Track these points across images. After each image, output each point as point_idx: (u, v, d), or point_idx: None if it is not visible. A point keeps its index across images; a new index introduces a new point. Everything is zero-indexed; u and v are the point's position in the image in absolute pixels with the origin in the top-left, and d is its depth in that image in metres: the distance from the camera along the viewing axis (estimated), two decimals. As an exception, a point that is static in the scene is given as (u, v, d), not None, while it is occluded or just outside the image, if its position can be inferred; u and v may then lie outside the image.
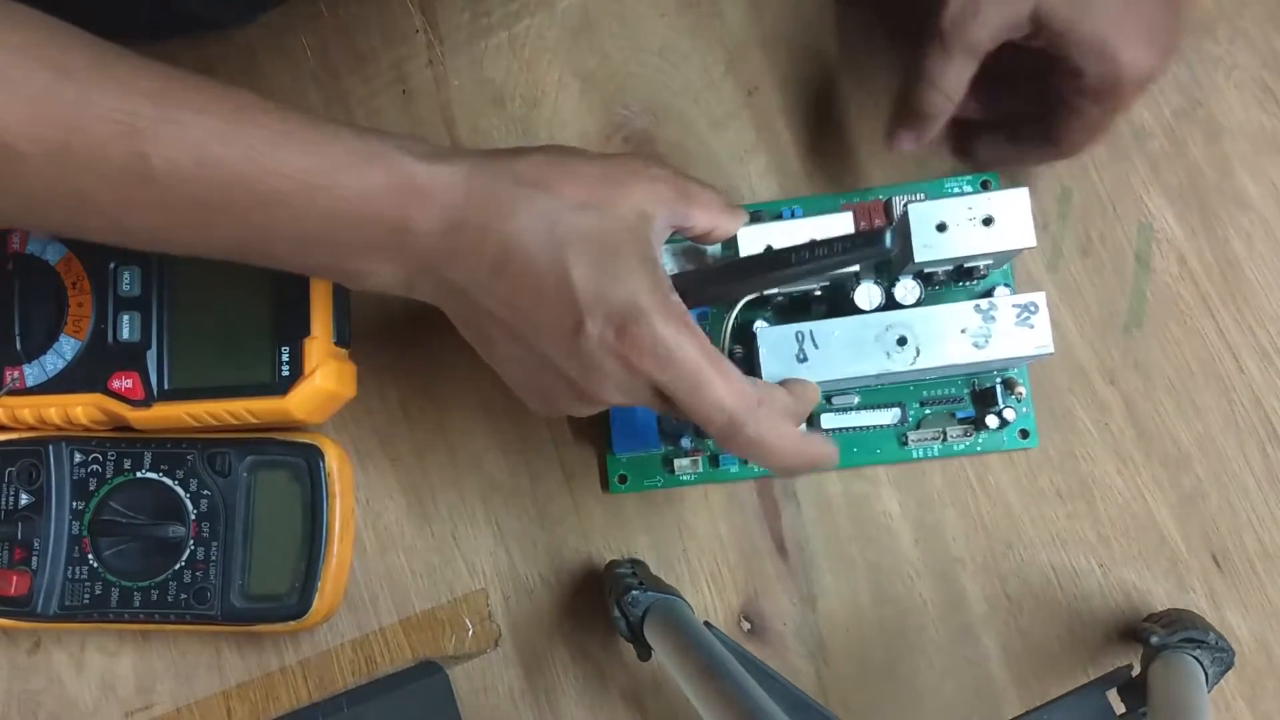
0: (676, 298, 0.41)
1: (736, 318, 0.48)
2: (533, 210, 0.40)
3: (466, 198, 0.40)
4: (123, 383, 0.48)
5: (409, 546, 0.52)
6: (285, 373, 0.47)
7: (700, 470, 0.51)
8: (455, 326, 0.43)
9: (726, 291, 0.46)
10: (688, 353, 0.40)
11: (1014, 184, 0.52)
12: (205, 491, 0.49)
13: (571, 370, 0.41)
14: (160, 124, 0.37)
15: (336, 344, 0.48)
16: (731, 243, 0.47)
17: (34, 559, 0.49)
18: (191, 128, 0.37)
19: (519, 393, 0.44)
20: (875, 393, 0.51)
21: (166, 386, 0.48)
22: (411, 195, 0.39)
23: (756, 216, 0.51)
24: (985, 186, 0.52)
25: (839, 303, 0.49)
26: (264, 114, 0.39)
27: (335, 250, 0.40)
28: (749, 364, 0.51)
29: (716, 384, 0.40)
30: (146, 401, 0.48)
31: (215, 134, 0.38)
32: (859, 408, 0.51)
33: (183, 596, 0.49)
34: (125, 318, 0.48)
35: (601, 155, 0.44)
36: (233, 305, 0.48)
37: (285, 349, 0.47)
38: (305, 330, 0.47)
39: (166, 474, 0.49)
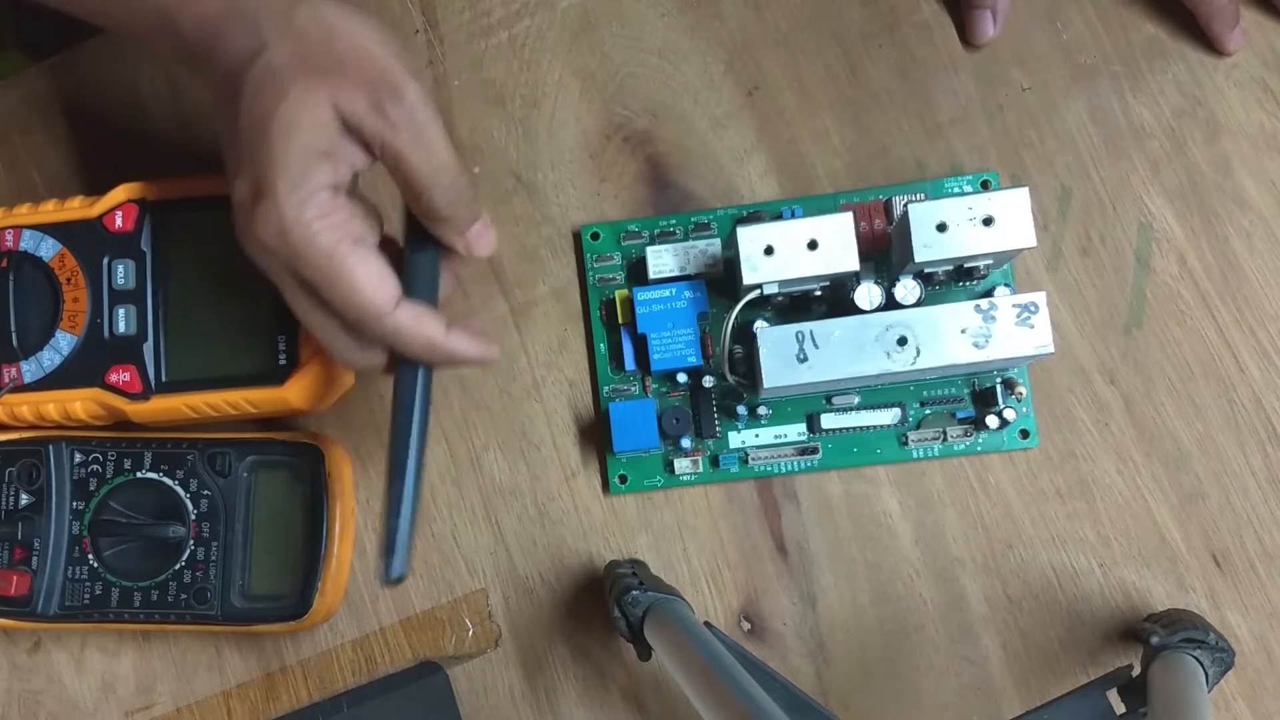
0: (329, 196, 0.40)
1: (737, 318, 0.48)
2: (249, 45, 0.40)
3: (228, 6, 0.40)
4: (120, 376, 0.48)
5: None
6: (283, 362, 0.47)
7: (700, 470, 0.51)
8: None
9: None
10: (318, 243, 0.40)
11: (1014, 184, 0.52)
12: (205, 491, 0.49)
13: (238, 218, 0.41)
14: None
15: None
16: (732, 241, 0.47)
17: (34, 559, 0.49)
18: None
19: None
20: (875, 393, 0.51)
21: (164, 379, 0.48)
22: None
23: (756, 216, 0.52)
24: (985, 186, 0.52)
25: (839, 303, 0.49)
26: None
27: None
28: (749, 364, 0.51)
29: (346, 279, 0.40)
30: (144, 394, 0.47)
31: None
32: (859, 408, 0.51)
33: (183, 596, 0.49)
34: (121, 311, 0.48)
35: (375, 31, 0.41)
36: (229, 295, 0.48)
37: (282, 337, 0.47)
38: None
39: (167, 474, 0.49)
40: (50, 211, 0.49)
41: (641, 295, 0.50)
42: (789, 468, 0.51)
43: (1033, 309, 0.46)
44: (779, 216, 0.52)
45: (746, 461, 0.51)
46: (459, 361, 0.44)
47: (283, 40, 0.40)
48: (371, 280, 0.41)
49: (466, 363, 0.44)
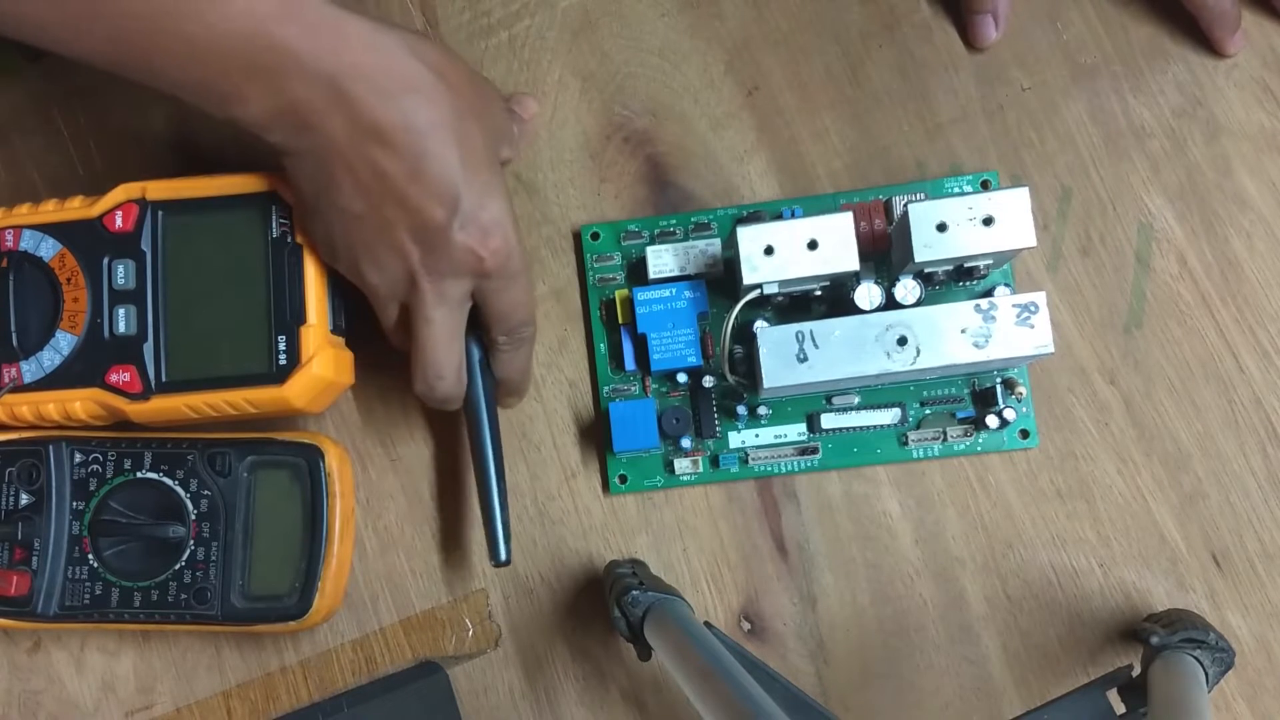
0: None
1: (737, 317, 0.48)
2: (434, 96, 0.42)
3: (363, 54, 0.41)
4: (120, 376, 0.48)
5: (409, 547, 0.52)
6: (283, 361, 0.47)
7: (700, 470, 0.51)
8: (287, 169, 0.44)
9: None
10: (524, 263, 0.46)
11: (1014, 184, 0.52)
12: (205, 491, 0.49)
13: (410, 243, 0.44)
14: None
15: (333, 331, 0.48)
16: (732, 241, 0.47)
17: (34, 559, 0.49)
18: None
19: (334, 244, 0.45)
20: (875, 393, 0.51)
21: (164, 379, 0.48)
22: (302, 26, 0.40)
23: (756, 216, 0.52)
24: (985, 186, 0.52)
25: (839, 303, 0.49)
26: None
27: (209, 63, 0.40)
28: (749, 364, 0.51)
29: (529, 291, 0.47)
30: (144, 394, 0.47)
31: None
32: (859, 408, 0.51)
33: (183, 596, 0.49)
34: (121, 311, 0.48)
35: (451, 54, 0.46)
36: (228, 295, 0.48)
37: (282, 337, 0.47)
38: (301, 318, 0.47)
39: (167, 474, 0.49)
40: (50, 211, 0.49)
41: (641, 295, 0.50)
42: (789, 468, 0.51)
43: (1033, 309, 0.46)
44: (779, 216, 0.52)
45: (746, 461, 0.51)
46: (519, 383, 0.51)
47: (438, 91, 0.42)
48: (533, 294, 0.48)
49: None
